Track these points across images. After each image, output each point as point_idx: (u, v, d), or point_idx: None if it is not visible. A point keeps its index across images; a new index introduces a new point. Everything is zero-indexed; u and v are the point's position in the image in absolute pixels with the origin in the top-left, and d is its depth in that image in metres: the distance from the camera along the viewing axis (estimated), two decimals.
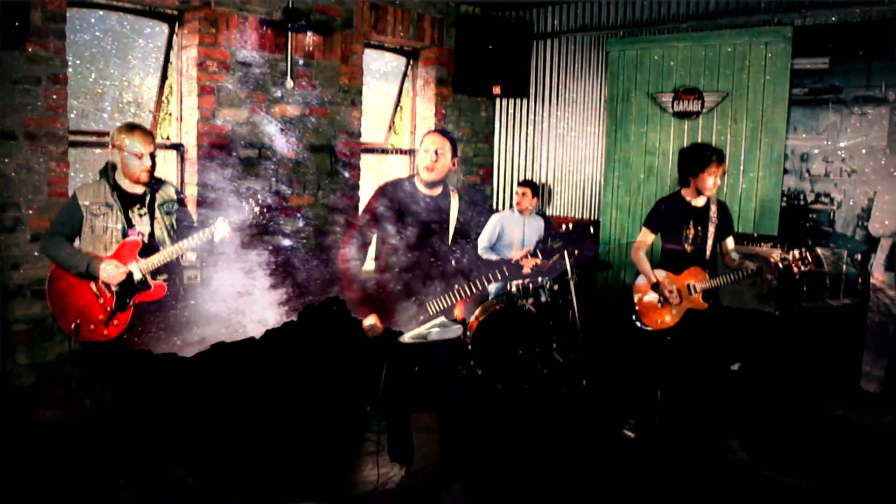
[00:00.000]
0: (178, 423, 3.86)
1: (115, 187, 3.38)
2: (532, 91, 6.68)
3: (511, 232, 5.71)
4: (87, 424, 4.09)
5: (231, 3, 4.86)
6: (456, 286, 3.31)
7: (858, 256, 6.08)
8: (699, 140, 5.55)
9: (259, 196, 3.59)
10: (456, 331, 3.32)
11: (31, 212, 4.13)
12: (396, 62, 6.43)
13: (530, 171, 6.82)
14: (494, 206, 7.02)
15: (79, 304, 3.33)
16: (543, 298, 5.25)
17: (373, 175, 6.35)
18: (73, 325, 3.30)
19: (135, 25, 4.85)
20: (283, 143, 5.22)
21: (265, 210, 3.53)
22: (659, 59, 5.76)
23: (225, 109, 4.91)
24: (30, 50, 4.02)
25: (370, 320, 3.31)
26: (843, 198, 7.20)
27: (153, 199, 3.45)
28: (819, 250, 5.92)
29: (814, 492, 3.63)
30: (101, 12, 4.62)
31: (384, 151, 6.38)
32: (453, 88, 6.40)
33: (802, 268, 3.85)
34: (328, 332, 4.64)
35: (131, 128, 3.34)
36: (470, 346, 4.83)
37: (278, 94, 5.17)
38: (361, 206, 5.64)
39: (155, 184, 3.47)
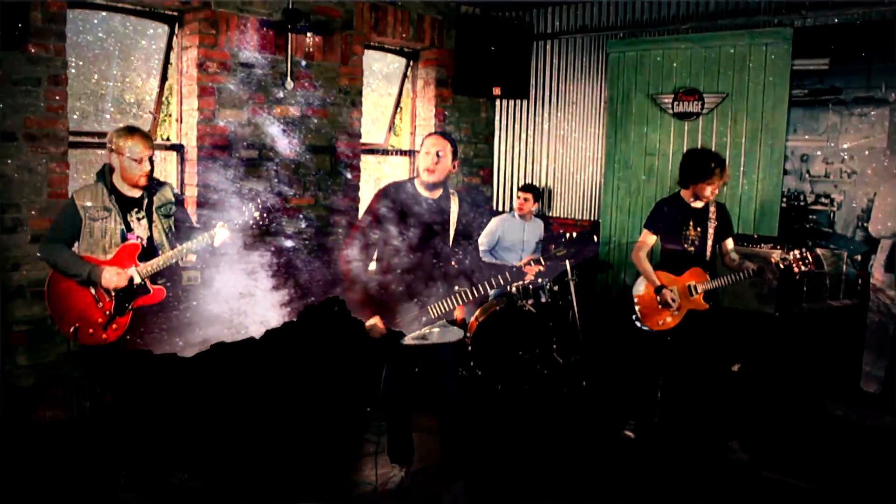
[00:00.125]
0: (177, 422, 3.87)
1: (113, 191, 3.35)
2: (532, 92, 6.68)
3: (512, 236, 5.71)
4: (87, 424, 4.09)
5: (231, 4, 4.86)
6: (457, 290, 3.31)
7: (858, 257, 6.09)
8: (699, 142, 5.56)
9: (259, 199, 3.58)
10: (456, 333, 3.32)
11: (31, 213, 4.14)
12: (396, 63, 6.44)
13: (530, 172, 6.83)
14: (494, 208, 7.03)
15: (78, 307, 3.32)
16: (543, 299, 5.25)
17: (373, 176, 6.35)
18: (71, 329, 3.29)
19: (137, 27, 4.86)
20: (283, 144, 5.23)
21: (265, 214, 3.52)
22: (659, 60, 5.76)
23: (225, 110, 4.92)
24: (30, 51, 4.02)
25: (373, 321, 3.31)
26: (844, 199, 7.22)
27: (151, 203, 3.42)
28: (819, 251, 5.93)
29: (814, 492, 3.63)
30: (103, 14, 4.63)
31: (384, 152, 6.39)
32: (453, 89, 6.41)
33: (802, 268, 3.86)
34: (328, 333, 4.65)
35: (130, 131, 3.30)
36: (470, 347, 4.84)
37: (279, 94, 5.17)
38: (362, 206, 5.66)
39: (152, 186, 3.44)
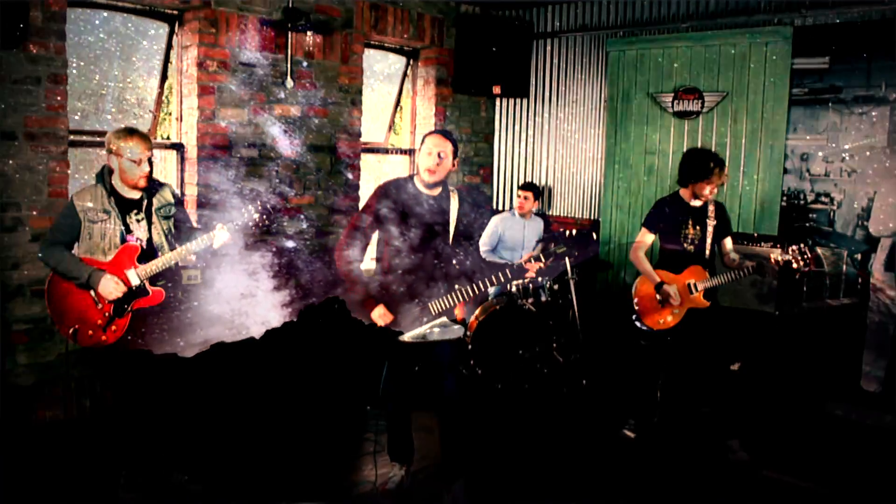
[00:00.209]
0: (177, 422, 3.87)
1: (112, 192, 3.33)
2: (532, 91, 6.68)
3: (512, 235, 5.71)
4: (87, 424, 4.09)
5: (231, 3, 4.86)
6: (458, 287, 3.30)
7: (858, 256, 6.09)
8: (700, 141, 5.56)
9: (259, 200, 3.58)
10: (456, 331, 3.32)
11: (31, 212, 4.14)
12: (397, 62, 6.44)
13: (530, 170, 6.83)
14: (495, 206, 7.03)
15: (77, 309, 3.31)
16: (543, 298, 5.25)
17: (373, 175, 6.35)
18: (71, 330, 3.29)
19: (137, 26, 4.85)
20: (283, 144, 5.22)
21: (266, 214, 3.51)
22: (659, 59, 5.76)
23: (225, 110, 4.92)
24: (30, 50, 4.02)
25: (379, 310, 3.31)
26: (844, 198, 7.21)
27: (150, 204, 3.41)
28: (819, 250, 5.93)
29: (814, 492, 3.63)
30: (104, 13, 4.63)
31: (385, 151, 6.39)
32: (453, 88, 6.41)
33: (801, 263, 3.85)
34: (328, 332, 4.64)
35: (129, 133, 3.28)
36: (470, 346, 4.84)
37: (279, 94, 5.17)
38: (362, 206, 5.65)
39: (152, 187, 3.42)
